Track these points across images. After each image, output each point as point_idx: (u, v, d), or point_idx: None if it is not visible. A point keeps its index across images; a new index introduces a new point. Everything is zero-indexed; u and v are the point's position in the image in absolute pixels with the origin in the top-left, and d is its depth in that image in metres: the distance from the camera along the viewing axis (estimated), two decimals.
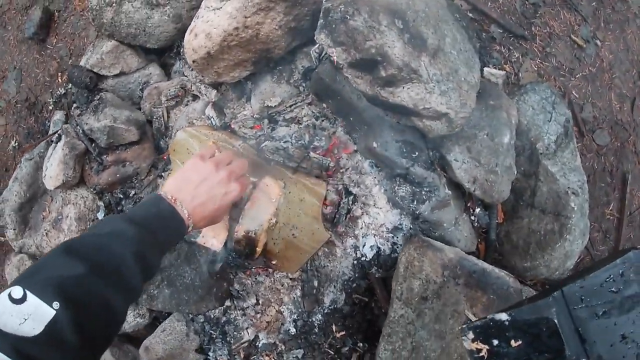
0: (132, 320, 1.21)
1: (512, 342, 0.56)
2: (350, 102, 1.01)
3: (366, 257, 1.08)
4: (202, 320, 1.20)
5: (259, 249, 1.04)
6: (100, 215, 1.25)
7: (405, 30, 0.87)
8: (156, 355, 1.15)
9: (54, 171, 1.19)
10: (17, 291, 0.48)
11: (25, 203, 1.30)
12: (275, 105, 1.06)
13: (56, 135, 1.27)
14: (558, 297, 0.54)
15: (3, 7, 1.68)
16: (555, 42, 1.30)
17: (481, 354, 0.58)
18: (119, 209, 1.25)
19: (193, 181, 0.76)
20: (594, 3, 1.31)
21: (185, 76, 1.17)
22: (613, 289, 0.52)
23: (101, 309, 0.53)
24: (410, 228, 1.06)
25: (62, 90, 1.43)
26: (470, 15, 1.28)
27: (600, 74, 1.29)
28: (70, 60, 1.45)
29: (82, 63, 1.22)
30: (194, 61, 0.97)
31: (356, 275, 1.09)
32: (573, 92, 1.28)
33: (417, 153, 1.02)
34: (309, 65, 1.06)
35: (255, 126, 1.12)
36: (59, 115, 1.40)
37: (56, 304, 0.48)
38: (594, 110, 1.29)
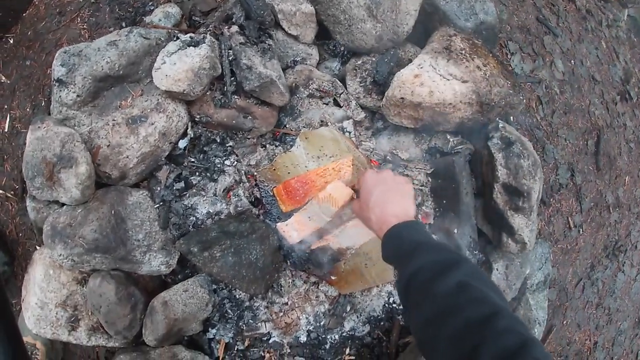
0: (156, 265, 1.13)
1: None
2: (458, 192, 1.23)
3: (399, 305, 1.26)
4: (225, 296, 1.19)
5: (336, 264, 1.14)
6: (183, 144, 1.18)
7: (540, 182, 1.16)
8: (174, 315, 1.09)
9: (176, 74, 1.05)
10: None
11: (111, 77, 1.10)
12: (404, 159, 1.21)
13: (188, 35, 1.13)
14: None
15: None
16: (558, 216, 1.75)
17: None
18: (204, 149, 1.20)
19: None
20: (592, 203, 1.81)
21: (342, 83, 1.23)
22: None
23: None
24: None
25: None
26: None
27: (570, 253, 1.76)
28: None
29: None
30: (402, 98, 1.07)
31: (383, 315, 1.26)
32: (550, 256, 1.72)
33: (477, 252, 1.28)
34: (438, 146, 1.26)
35: (373, 161, 1.24)
36: (174, 10, 1.27)
37: None
38: (556, 274, 1.75)
